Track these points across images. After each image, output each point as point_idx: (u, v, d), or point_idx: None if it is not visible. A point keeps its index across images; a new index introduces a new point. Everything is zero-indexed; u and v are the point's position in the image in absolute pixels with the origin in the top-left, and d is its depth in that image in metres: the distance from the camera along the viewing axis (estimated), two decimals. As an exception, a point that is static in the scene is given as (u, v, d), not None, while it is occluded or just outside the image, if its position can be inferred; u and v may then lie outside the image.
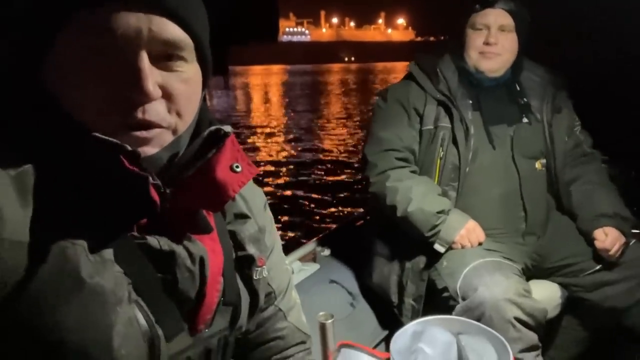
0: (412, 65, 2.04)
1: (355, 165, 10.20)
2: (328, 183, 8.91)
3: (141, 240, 0.71)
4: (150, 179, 0.67)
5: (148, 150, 0.68)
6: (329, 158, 11.03)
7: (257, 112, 20.26)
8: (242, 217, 0.91)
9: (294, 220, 6.55)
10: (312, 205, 7.46)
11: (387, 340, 2.04)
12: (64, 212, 0.64)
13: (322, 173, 9.68)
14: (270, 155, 11.36)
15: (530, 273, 1.98)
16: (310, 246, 2.31)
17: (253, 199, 0.96)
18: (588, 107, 2.08)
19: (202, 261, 0.76)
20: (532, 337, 1.68)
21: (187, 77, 0.72)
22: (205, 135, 0.76)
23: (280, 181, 8.93)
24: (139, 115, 0.67)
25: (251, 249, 0.89)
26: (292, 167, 10.18)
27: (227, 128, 0.77)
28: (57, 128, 0.66)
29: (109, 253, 0.67)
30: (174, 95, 0.70)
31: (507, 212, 1.97)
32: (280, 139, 13.98)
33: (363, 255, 2.13)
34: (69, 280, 0.62)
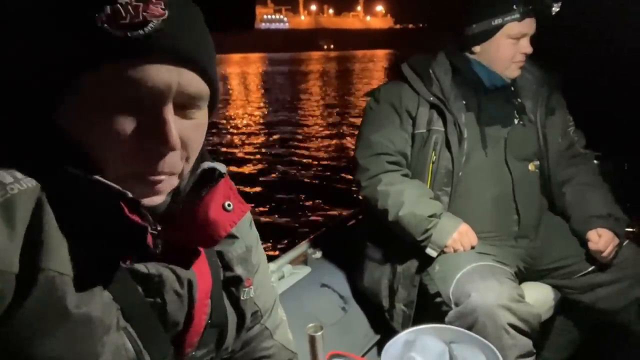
0: (404, 66, 2.00)
1: (339, 158, 10.17)
2: (312, 178, 8.84)
3: (129, 265, 0.71)
4: (149, 228, 0.67)
5: (157, 200, 0.70)
6: (311, 153, 10.94)
7: (236, 104, 20.03)
8: (230, 237, 0.90)
9: (277, 219, 6.50)
10: (295, 202, 7.39)
11: (378, 345, 2.03)
12: (54, 240, 0.63)
13: (305, 168, 9.58)
14: (251, 151, 11.19)
15: (523, 275, 1.97)
16: (301, 248, 2.28)
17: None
18: (580, 101, 2.07)
19: (190, 284, 0.77)
20: (527, 343, 1.67)
21: (199, 123, 0.73)
22: (199, 174, 0.76)
23: (263, 178, 8.83)
24: (160, 166, 0.67)
25: (239, 270, 0.90)
26: (273, 162, 10.03)
27: (222, 168, 0.78)
28: (62, 162, 0.64)
29: (97, 280, 0.66)
30: (187, 143, 0.71)
31: (500, 215, 1.96)
32: (261, 132, 13.79)
33: (355, 257, 2.11)
34: (55, 311, 0.62)
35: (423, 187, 1.91)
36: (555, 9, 1.87)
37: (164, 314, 0.74)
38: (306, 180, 8.70)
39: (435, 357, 1.58)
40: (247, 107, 19.07)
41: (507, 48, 1.89)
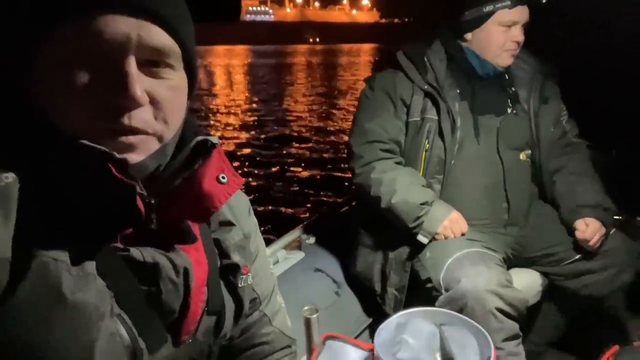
0: (400, 54, 2.01)
1: (327, 149, 10.16)
2: (301, 167, 8.85)
3: (124, 252, 0.70)
4: (138, 188, 0.66)
5: (134, 157, 0.67)
6: (300, 144, 10.92)
7: (221, 97, 19.88)
8: (227, 224, 0.91)
9: (269, 207, 6.50)
10: (286, 190, 7.41)
11: (371, 328, 2.07)
12: (46, 227, 0.63)
13: (294, 157, 9.59)
14: (240, 142, 11.14)
15: (512, 262, 2.01)
16: (295, 234, 2.31)
17: (238, 206, 0.96)
18: (573, 91, 2.10)
19: (186, 272, 0.76)
20: (513, 327, 1.71)
21: (174, 84, 0.71)
22: (192, 146, 0.75)
23: (252, 168, 8.79)
24: (125, 121, 0.65)
25: (236, 257, 0.89)
26: (262, 152, 10.01)
27: (214, 139, 0.77)
28: (41, 137, 0.64)
29: (91, 266, 0.66)
30: (160, 102, 0.69)
31: (490, 203, 2.00)
32: (248, 123, 13.74)
33: (348, 243, 2.14)
34: (51, 297, 0.62)
35: (415, 175, 1.94)
36: None
37: (159, 301, 0.73)
38: (296, 169, 8.71)
39: (426, 339, 1.61)
40: (233, 99, 18.96)
41: (498, 35, 1.91)
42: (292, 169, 8.66)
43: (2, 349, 0.60)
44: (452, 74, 1.98)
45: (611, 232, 1.93)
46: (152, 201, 0.71)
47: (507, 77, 2.02)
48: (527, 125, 2.02)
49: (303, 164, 8.98)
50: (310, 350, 1.05)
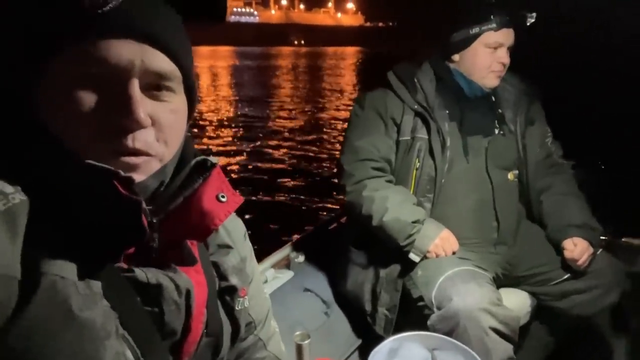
0: (390, 74, 2.03)
1: (314, 158, 10.12)
2: (287, 176, 8.78)
3: (129, 273, 0.71)
4: (143, 204, 0.67)
5: (136, 177, 0.68)
6: (286, 150, 10.89)
7: (206, 102, 19.75)
8: (225, 247, 0.92)
9: (255, 222, 6.45)
10: (272, 202, 7.34)
11: (360, 350, 2.06)
12: (53, 245, 0.64)
13: (279, 171, 9.45)
14: (224, 150, 10.99)
15: (501, 282, 2.02)
16: (284, 252, 2.29)
17: (235, 230, 0.97)
18: (557, 112, 2.13)
19: (188, 294, 0.77)
20: (507, 348, 1.71)
21: (175, 107, 0.73)
22: (192, 165, 0.77)
23: (235, 176, 8.72)
24: (129, 142, 0.67)
25: (234, 280, 0.91)
26: (247, 166, 9.80)
27: (214, 159, 0.79)
28: (46, 156, 0.66)
29: (97, 286, 0.67)
30: (161, 125, 0.71)
31: (480, 222, 2.01)
32: (232, 128, 13.64)
33: (338, 261, 2.13)
34: (60, 315, 0.62)
35: (407, 193, 1.95)
36: (530, 20, 1.92)
37: (162, 323, 0.74)
38: (282, 180, 8.62)
39: (418, 365, 1.62)
40: (217, 104, 18.85)
41: (484, 57, 1.94)
42: (278, 180, 8.55)
43: None
44: (441, 94, 2.00)
45: (598, 252, 1.95)
46: (154, 220, 0.72)
47: (493, 98, 2.05)
48: (515, 146, 2.05)
49: (289, 176, 8.87)
50: (302, 376, 1.05)
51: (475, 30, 1.92)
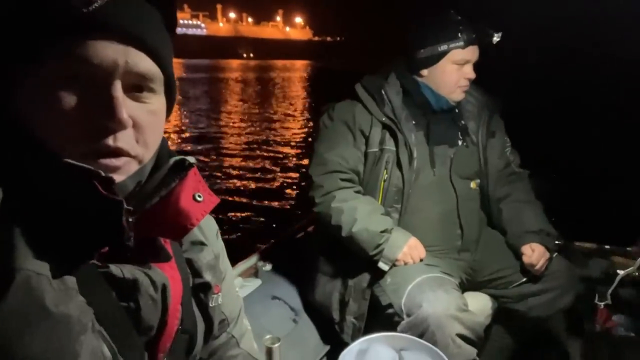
0: (358, 86, 2.07)
1: (269, 169, 10.10)
2: (243, 188, 8.77)
3: (104, 269, 0.71)
4: (124, 204, 0.67)
5: (116, 178, 0.69)
6: (240, 163, 10.85)
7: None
8: (199, 244, 0.92)
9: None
10: (232, 214, 7.29)
11: (329, 356, 2.09)
12: (28, 241, 0.64)
13: (235, 178, 9.48)
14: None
15: (465, 286, 2.10)
16: (251, 261, 2.30)
17: (208, 227, 0.98)
18: (516, 123, 2.25)
19: (164, 289, 0.77)
20: (471, 352, 1.79)
21: (154, 108, 0.74)
22: (170, 165, 0.78)
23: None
24: (110, 142, 0.68)
25: (208, 277, 0.91)
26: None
27: (191, 159, 0.80)
28: (23, 154, 0.65)
29: (72, 282, 0.67)
30: (141, 126, 0.72)
31: (445, 230, 2.09)
32: (182, 145, 13.41)
33: (306, 270, 2.16)
34: (34, 311, 0.62)
35: (375, 204, 2.00)
36: (496, 39, 2.01)
37: (138, 318, 0.74)
38: (239, 190, 8.62)
39: (386, 365, 1.67)
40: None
41: (451, 73, 2.02)
42: (233, 194, 8.51)
43: None
44: (407, 106, 2.06)
45: (554, 256, 2.06)
46: (130, 219, 0.71)
47: (457, 110, 2.13)
48: (477, 156, 2.13)
49: (245, 187, 8.88)
50: (271, 380, 1.07)
51: (444, 47, 1.99)
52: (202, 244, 0.93)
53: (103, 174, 0.65)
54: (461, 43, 1.97)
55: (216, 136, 14.25)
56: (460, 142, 2.10)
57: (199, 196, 0.78)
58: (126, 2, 0.69)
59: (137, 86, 0.71)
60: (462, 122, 2.13)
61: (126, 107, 0.68)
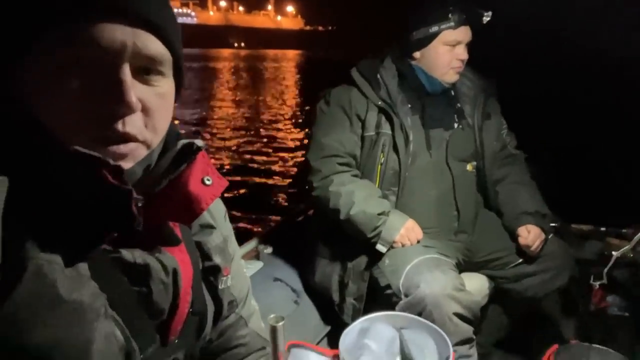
0: (354, 71, 2.09)
1: (264, 154, 10.09)
2: (239, 173, 8.77)
3: (115, 254, 0.71)
4: (134, 193, 0.67)
5: (124, 165, 0.68)
6: (232, 150, 10.84)
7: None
8: (208, 227, 0.92)
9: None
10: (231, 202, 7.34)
11: (329, 336, 2.13)
12: (38, 230, 0.63)
13: (232, 165, 9.46)
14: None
15: (462, 267, 2.13)
16: (252, 244, 2.33)
17: (216, 210, 0.98)
18: (512, 105, 2.26)
19: (175, 273, 0.78)
20: (467, 330, 1.82)
21: (163, 91, 0.72)
22: (178, 149, 0.77)
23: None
24: (119, 127, 0.66)
25: (217, 259, 0.91)
26: None
27: (200, 142, 0.79)
28: (31, 139, 0.64)
29: (84, 268, 0.67)
30: (150, 110, 0.70)
31: (442, 212, 2.11)
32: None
33: (306, 253, 2.19)
34: (47, 298, 0.62)
35: (372, 187, 2.02)
36: (486, 18, 2.01)
37: (149, 302, 0.74)
38: (236, 176, 8.57)
39: (386, 343, 1.69)
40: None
41: (443, 54, 2.03)
42: (234, 175, 8.51)
43: (0, 350, 0.60)
44: (403, 90, 2.07)
45: (549, 237, 2.09)
46: (139, 204, 0.71)
47: (453, 93, 2.15)
48: (472, 138, 2.15)
49: (241, 174, 8.86)
50: (275, 358, 1.09)
51: (435, 29, 2.00)
52: (211, 227, 0.93)
53: (112, 162, 0.64)
54: (452, 24, 1.99)
55: (209, 124, 14.22)
56: (456, 125, 2.12)
57: (208, 180, 0.77)
58: None
59: (145, 69, 0.69)
60: (458, 105, 2.14)
61: (134, 90, 0.66)
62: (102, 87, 0.65)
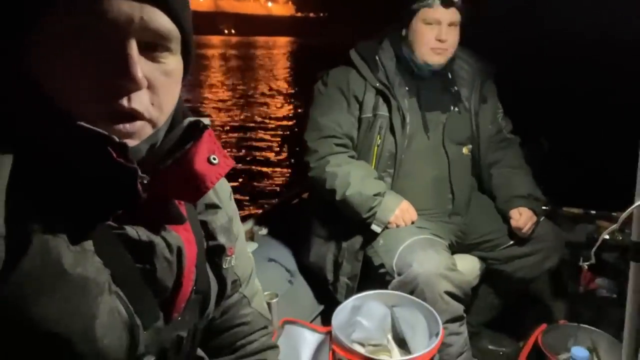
0: (352, 52, 2.10)
1: (256, 139, 10.09)
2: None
3: (120, 230, 0.71)
4: (139, 171, 0.67)
5: (129, 143, 0.67)
6: (226, 135, 10.80)
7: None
8: (213, 207, 0.92)
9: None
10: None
11: (323, 315, 2.16)
12: (45, 204, 0.63)
13: (226, 149, 9.44)
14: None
15: (454, 249, 2.15)
16: (247, 225, 2.34)
17: (222, 189, 0.98)
18: (508, 90, 2.28)
19: (179, 251, 0.78)
20: (458, 308, 1.85)
21: (170, 69, 0.71)
22: (184, 127, 0.77)
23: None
24: (125, 103, 0.65)
25: (222, 239, 0.92)
26: None
27: (206, 121, 0.78)
28: (37, 114, 0.64)
29: (89, 244, 0.67)
30: (156, 88, 0.69)
31: (437, 194, 2.14)
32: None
33: (300, 234, 2.21)
34: (52, 272, 0.63)
35: (368, 168, 2.04)
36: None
37: (153, 279, 0.75)
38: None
39: (378, 320, 1.74)
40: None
41: (423, 33, 2.02)
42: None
43: (4, 324, 0.61)
44: (400, 72, 2.09)
45: (541, 220, 2.13)
46: (145, 181, 0.70)
47: (450, 76, 2.16)
48: (469, 122, 2.17)
49: (236, 158, 8.88)
50: (270, 334, 1.12)
51: (414, 6, 2.02)
52: (217, 206, 0.92)
53: (117, 139, 0.63)
54: (429, 1, 1.99)
55: (202, 110, 14.15)
56: (452, 108, 2.14)
57: (214, 158, 0.76)
58: None
59: (152, 45, 0.68)
60: (455, 88, 2.16)
61: (141, 66, 0.65)
62: (108, 61, 0.64)
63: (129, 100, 0.66)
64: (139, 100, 0.67)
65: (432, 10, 2.00)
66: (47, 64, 0.64)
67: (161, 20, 0.67)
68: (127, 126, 0.67)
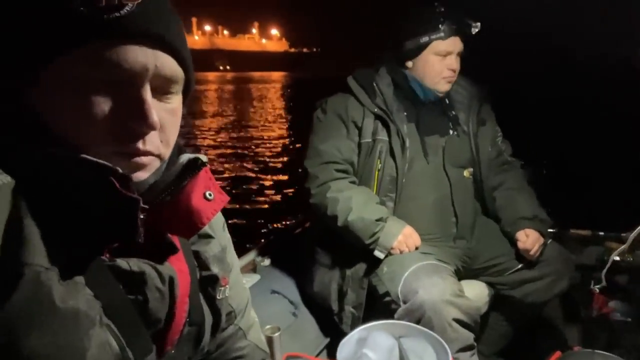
0: (350, 79, 2.10)
1: (253, 170, 10.12)
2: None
3: (110, 262, 0.71)
4: (141, 202, 0.67)
5: (141, 175, 0.70)
6: (223, 168, 10.88)
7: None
8: (206, 237, 0.92)
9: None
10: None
11: (329, 348, 2.09)
12: (38, 236, 0.62)
13: (224, 182, 9.51)
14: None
15: (461, 274, 2.10)
16: (249, 256, 2.30)
17: (214, 220, 0.97)
18: (506, 114, 2.27)
19: (171, 281, 0.77)
20: (468, 337, 1.79)
21: (174, 107, 0.74)
22: (184, 163, 0.78)
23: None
24: (140, 146, 0.68)
25: (215, 269, 0.91)
26: None
27: (204, 157, 0.80)
28: (37, 148, 0.64)
29: (80, 276, 0.66)
30: (164, 126, 0.72)
31: (440, 218, 2.10)
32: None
33: (303, 264, 2.16)
34: (43, 306, 0.61)
35: (370, 193, 2.01)
36: (475, 29, 2.02)
37: (145, 310, 0.74)
38: (229, 193, 8.68)
39: (385, 352, 1.67)
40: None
41: (434, 64, 2.03)
42: (228, 192, 8.61)
43: None
44: (398, 98, 2.08)
45: (548, 243, 2.08)
46: (142, 215, 0.71)
47: (447, 101, 2.16)
48: (468, 145, 2.15)
49: (234, 190, 8.94)
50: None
51: (425, 39, 2.01)
52: (210, 236, 0.93)
53: (120, 171, 0.64)
54: (442, 34, 2.00)
55: (199, 144, 14.27)
56: (451, 132, 2.13)
57: (210, 194, 0.78)
58: (155, 6, 0.68)
59: (162, 88, 0.71)
60: (453, 112, 2.15)
61: (155, 110, 0.68)
62: (124, 106, 0.66)
63: (144, 142, 0.69)
64: (152, 141, 0.70)
65: (445, 42, 2.00)
66: (58, 102, 0.65)
67: (172, 67, 0.71)
68: (143, 159, 0.70)
